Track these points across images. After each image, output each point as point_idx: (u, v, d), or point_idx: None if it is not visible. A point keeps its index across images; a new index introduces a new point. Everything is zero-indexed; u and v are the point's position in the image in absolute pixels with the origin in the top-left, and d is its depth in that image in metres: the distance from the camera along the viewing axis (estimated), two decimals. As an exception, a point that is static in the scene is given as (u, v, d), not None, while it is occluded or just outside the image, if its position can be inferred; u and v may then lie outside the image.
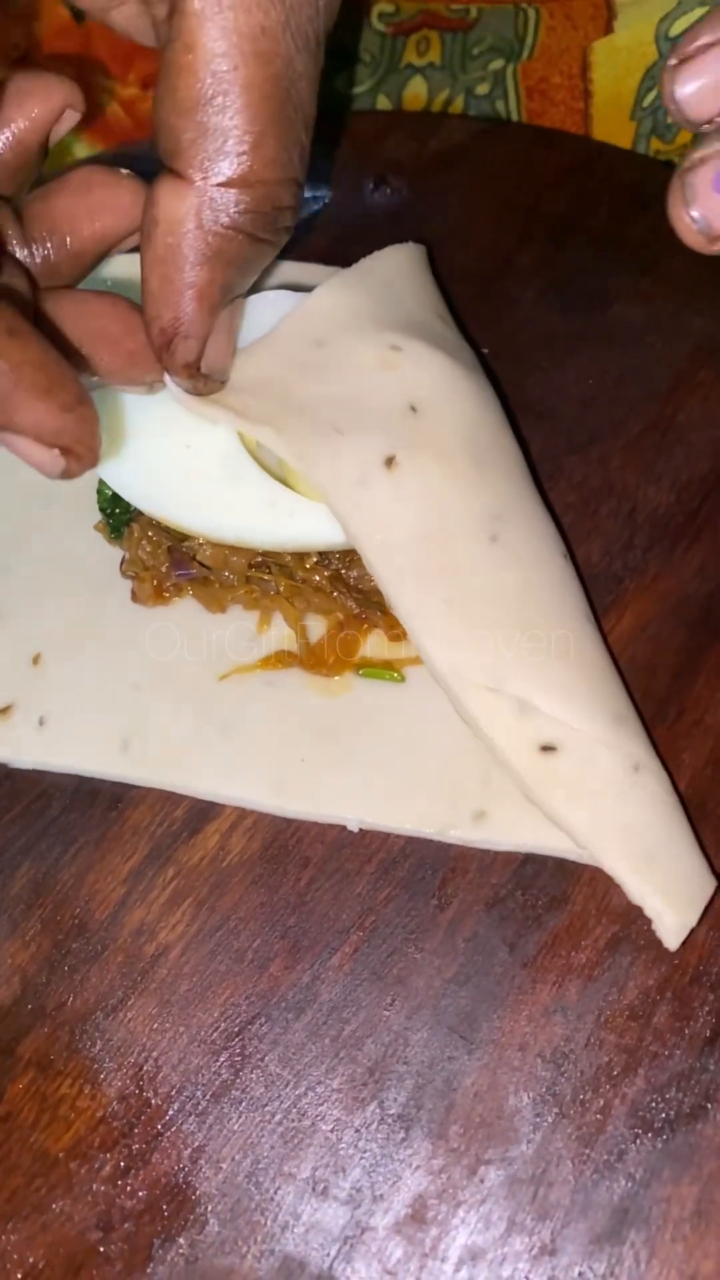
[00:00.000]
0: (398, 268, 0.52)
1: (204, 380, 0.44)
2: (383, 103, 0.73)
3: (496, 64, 0.70)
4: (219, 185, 0.40)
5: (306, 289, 0.50)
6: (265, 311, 0.50)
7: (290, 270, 0.58)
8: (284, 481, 0.48)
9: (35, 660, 0.50)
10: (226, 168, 0.39)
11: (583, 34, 0.67)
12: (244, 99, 0.38)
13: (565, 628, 0.46)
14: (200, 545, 0.50)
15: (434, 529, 0.45)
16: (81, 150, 0.78)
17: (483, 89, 0.71)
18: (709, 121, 0.40)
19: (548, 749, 0.44)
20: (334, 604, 0.50)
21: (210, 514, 0.48)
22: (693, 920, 0.43)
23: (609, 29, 0.66)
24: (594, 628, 0.48)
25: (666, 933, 0.43)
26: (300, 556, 0.50)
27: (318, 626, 0.51)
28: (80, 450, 0.38)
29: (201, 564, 0.51)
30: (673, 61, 0.40)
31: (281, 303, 0.50)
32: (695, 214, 0.40)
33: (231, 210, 0.40)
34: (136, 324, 0.42)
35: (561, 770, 0.44)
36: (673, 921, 0.43)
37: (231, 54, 0.38)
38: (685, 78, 0.39)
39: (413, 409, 0.46)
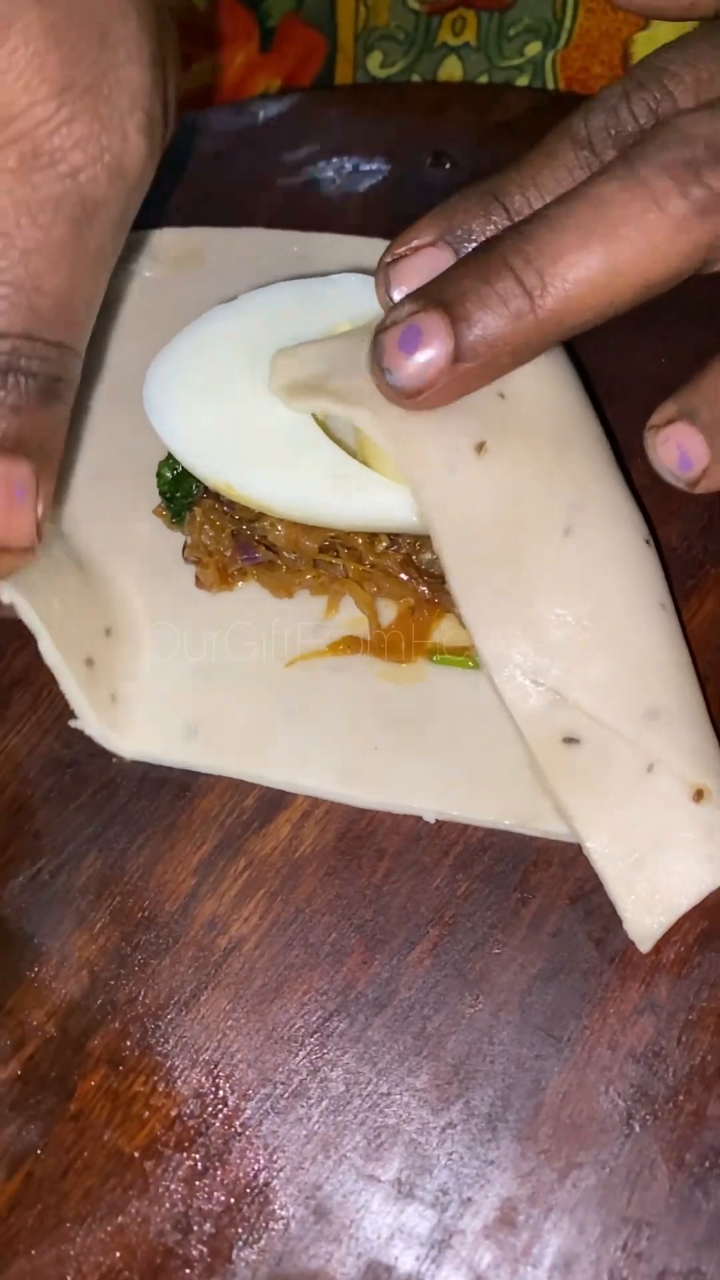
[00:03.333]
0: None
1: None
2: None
3: (534, 47, 0.68)
4: None
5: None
6: (346, 295, 0.48)
7: (355, 246, 0.57)
8: (352, 454, 0.47)
9: (107, 632, 0.48)
10: None
11: (624, 19, 0.66)
12: None
13: (625, 620, 0.45)
14: (270, 527, 0.48)
15: (509, 517, 0.44)
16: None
17: (522, 81, 0.69)
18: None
19: (570, 740, 0.43)
20: (405, 589, 0.49)
21: (274, 483, 0.47)
22: (659, 930, 0.42)
23: (646, 23, 0.65)
24: (667, 615, 0.46)
25: (635, 938, 0.42)
26: (371, 540, 0.49)
27: (387, 612, 0.50)
28: (16, 547, 0.43)
29: (268, 547, 0.49)
30: (388, 259, 0.45)
31: (360, 286, 0.48)
32: (386, 372, 0.42)
33: None
34: None
35: (576, 762, 0.43)
36: (639, 928, 0.42)
37: None
38: (398, 279, 0.44)
39: (501, 395, 0.44)
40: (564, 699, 0.43)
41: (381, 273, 0.45)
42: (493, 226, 0.44)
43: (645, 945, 0.42)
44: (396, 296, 0.44)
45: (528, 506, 0.44)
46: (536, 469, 0.44)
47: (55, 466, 0.44)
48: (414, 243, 0.44)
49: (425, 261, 0.44)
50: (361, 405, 0.44)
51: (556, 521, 0.44)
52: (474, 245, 0.44)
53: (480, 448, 0.43)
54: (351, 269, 0.51)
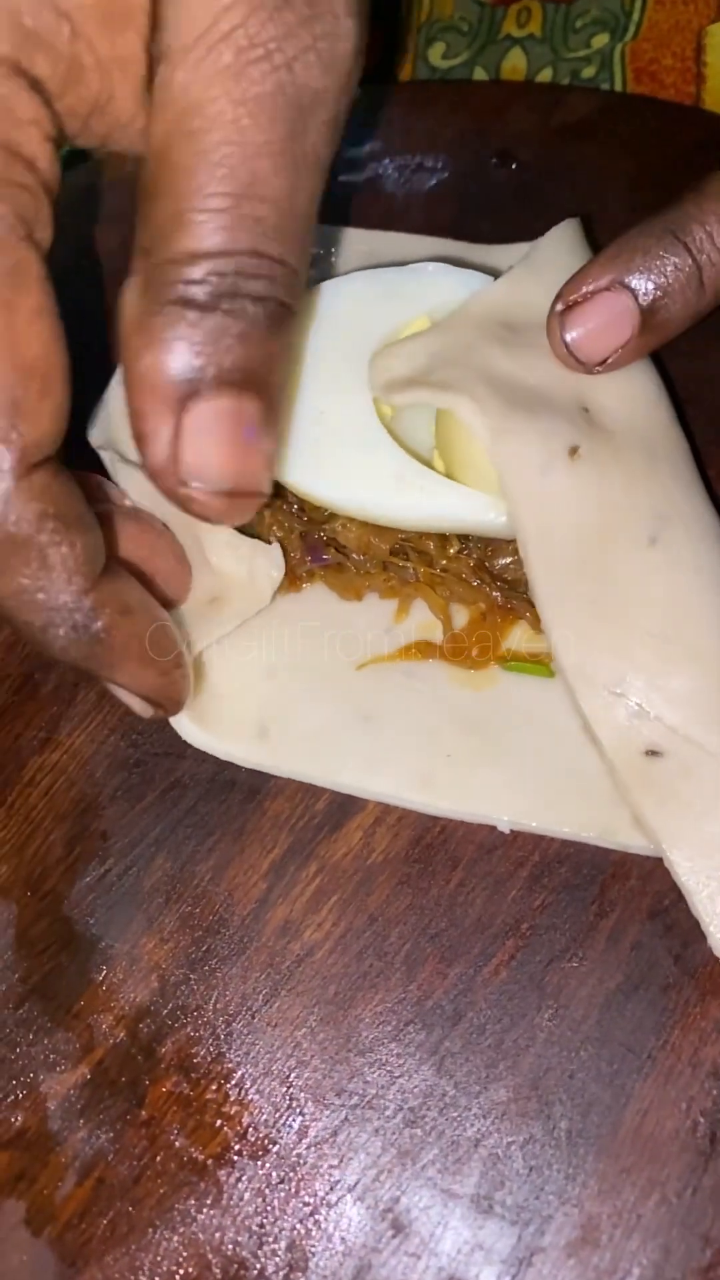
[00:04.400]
0: (570, 249, 0.50)
1: (200, 500, 0.37)
2: (479, 75, 0.71)
3: (601, 39, 0.67)
4: (164, 261, 0.35)
5: (460, 263, 0.49)
6: (426, 284, 0.48)
7: (425, 245, 0.56)
8: (419, 457, 0.46)
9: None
10: (176, 241, 0.35)
11: (694, 10, 0.65)
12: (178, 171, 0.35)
13: (709, 633, 0.44)
14: (341, 528, 0.48)
15: (596, 525, 0.43)
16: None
17: (589, 72, 0.69)
18: (602, 363, 0.44)
19: (653, 754, 0.43)
20: (477, 594, 0.48)
21: (338, 483, 0.46)
22: None
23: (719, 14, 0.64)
24: None
25: (717, 948, 0.42)
26: (442, 543, 0.48)
27: (458, 617, 0.49)
28: (169, 705, 0.43)
29: (337, 549, 0.49)
30: (560, 307, 0.44)
31: (441, 276, 0.48)
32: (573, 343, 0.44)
33: (177, 282, 0.35)
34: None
35: (659, 776, 0.43)
36: None
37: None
38: (573, 323, 0.44)
39: (585, 409, 0.44)
40: (646, 711, 0.43)
41: (555, 319, 0.44)
42: (671, 266, 0.43)
43: None
44: (577, 335, 0.44)
45: (615, 515, 0.44)
46: (625, 478, 0.44)
47: (283, 402, 0.38)
48: (588, 288, 0.44)
49: (602, 308, 0.43)
50: (465, 394, 0.43)
51: (643, 532, 0.44)
52: (654, 287, 0.43)
53: (574, 452, 0.43)
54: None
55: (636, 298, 0.44)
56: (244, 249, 0.35)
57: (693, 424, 0.51)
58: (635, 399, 0.46)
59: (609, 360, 0.45)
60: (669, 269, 0.43)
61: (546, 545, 0.44)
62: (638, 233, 0.44)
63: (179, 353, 0.35)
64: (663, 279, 0.44)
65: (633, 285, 0.44)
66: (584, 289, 0.44)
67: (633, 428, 0.45)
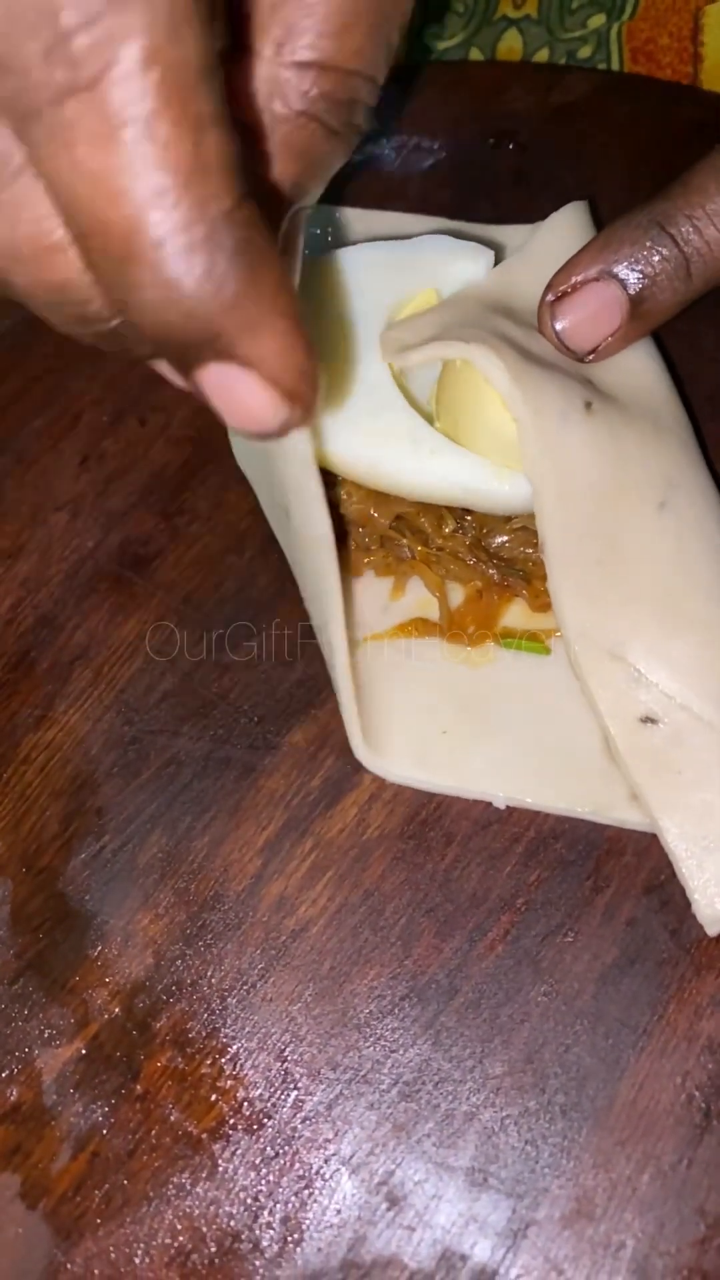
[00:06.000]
0: (573, 234, 0.50)
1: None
2: (475, 56, 0.71)
3: (597, 20, 0.67)
4: (293, 64, 0.33)
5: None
6: (434, 256, 0.49)
7: (424, 224, 0.56)
8: (429, 419, 0.46)
9: None
10: (304, 46, 0.33)
11: (691, -11, 0.65)
12: None
13: (711, 602, 0.44)
14: (346, 497, 0.48)
15: (610, 485, 0.43)
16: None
17: (585, 52, 0.68)
18: (592, 351, 0.45)
19: (648, 720, 0.42)
20: (473, 572, 0.48)
21: (353, 441, 0.46)
22: None
23: (720, -6, 0.64)
24: None
25: (704, 920, 0.42)
26: (438, 522, 0.48)
27: (455, 595, 0.49)
28: (308, 397, 0.30)
29: (336, 522, 0.49)
30: (550, 297, 0.45)
31: (450, 249, 0.48)
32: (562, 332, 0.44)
33: (305, 92, 0.33)
34: None
35: (653, 743, 0.43)
36: (709, 911, 0.42)
37: None
38: (562, 313, 0.45)
39: (589, 381, 0.44)
40: (644, 676, 0.43)
41: (545, 309, 0.45)
42: (659, 257, 0.44)
43: (713, 929, 0.42)
44: (559, 329, 0.45)
45: (628, 475, 0.44)
46: (637, 441, 0.44)
47: None
48: (577, 278, 0.44)
49: (591, 297, 0.44)
50: (483, 343, 0.43)
51: (653, 495, 0.44)
52: (641, 277, 0.44)
53: (589, 406, 0.43)
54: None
55: (625, 288, 0.45)
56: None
57: (687, 401, 0.51)
58: (639, 373, 0.47)
59: (599, 349, 0.46)
60: (656, 259, 0.44)
61: (561, 499, 0.43)
62: (624, 224, 0.45)
63: None
64: (650, 269, 0.44)
65: (620, 275, 0.45)
66: (573, 279, 0.45)
67: (638, 401, 0.46)
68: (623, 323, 0.45)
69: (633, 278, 0.44)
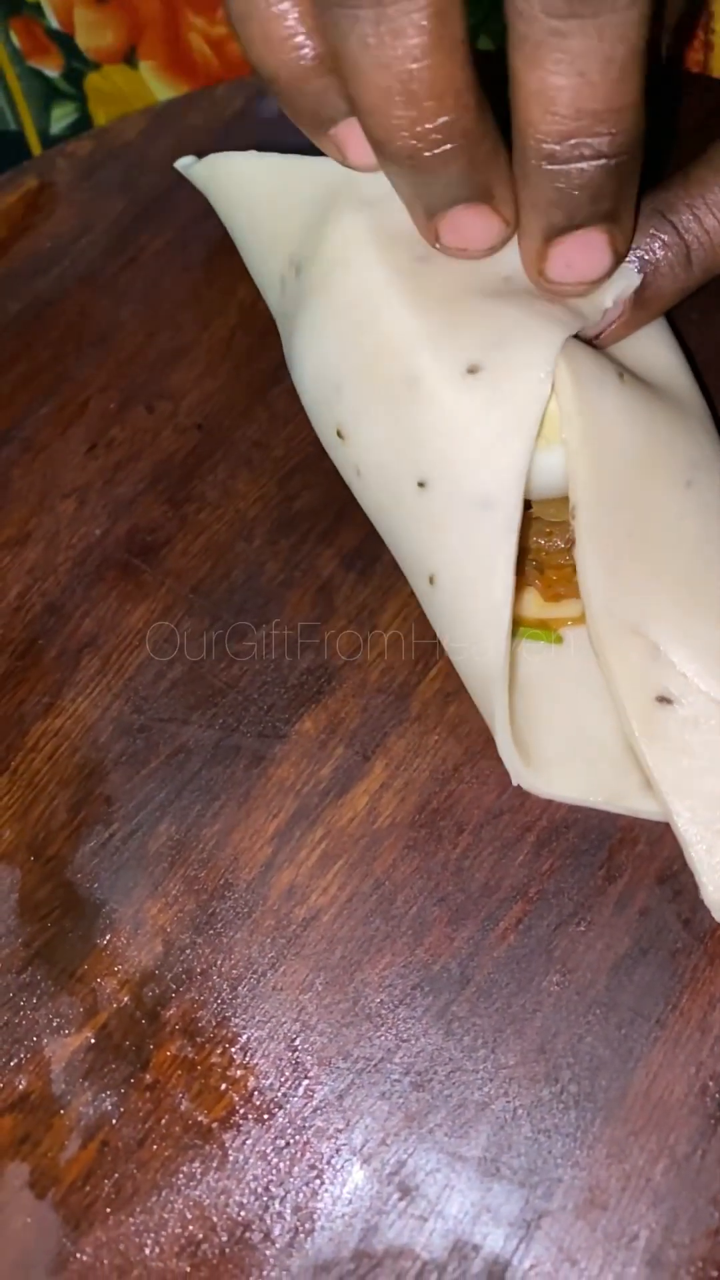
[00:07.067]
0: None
1: None
2: (484, 44, 0.70)
3: None
4: None
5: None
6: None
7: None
8: None
9: None
10: None
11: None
12: None
13: None
14: None
15: (642, 457, 0.43)
16: (163, 92, 0.75)
17: None
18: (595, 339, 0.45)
19: (664, 700, 0.42)
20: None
21: None
22: None
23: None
24: None
25: (711, 905, 0.42)
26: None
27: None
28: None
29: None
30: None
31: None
32: None
33: None
34: None
35: (668, 724, 0.42)
36: (717, 897, 0.41)
37: None
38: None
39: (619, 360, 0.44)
40: (663, 654, 0.42)
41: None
42: (660, 244, 0.44)
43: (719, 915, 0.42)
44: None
45: (656, 450, 0.43)
46: (666, 418, 0.44)
47: None
48: None
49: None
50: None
51: (680, 473, 0.44)
52: (642, 264, 0.44)
53: (621, 377, 0.43)
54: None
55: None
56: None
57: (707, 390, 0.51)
58: (658, 356, 0.47)
59: (600, 336, 0.45)
60: (657, 247, 0.44)
61: (596, 466, 0.43)
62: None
63: None
64: (651, 256, 0.44)
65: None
66: None
67: (660, 381, 0.45)
68: (625, 310, 0.45)
69: (634, 265, 0.44)
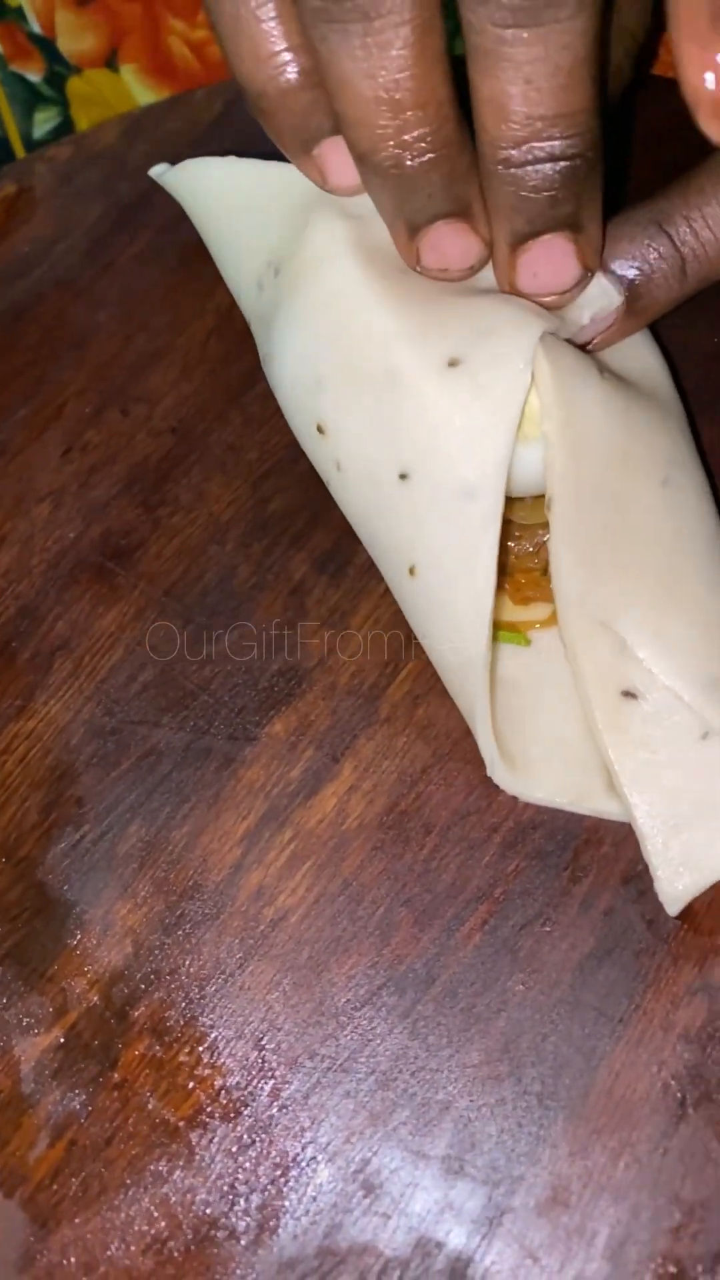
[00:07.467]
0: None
1: None
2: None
3: None
4: None
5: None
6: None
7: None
8: None
9: None
10: None
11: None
12: None
13: (704, 584, 0.44)
14: None
15: (619, 453, 0.43)
16: (144, 95, 0.75)
17: None
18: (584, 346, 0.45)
19: (629, 695, 0.43)
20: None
21: None
22: (687, 895, 0.42)
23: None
24: None
25: (664, 899, 0.42)
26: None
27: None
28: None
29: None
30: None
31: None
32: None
33: None
34: None
35: (632, 718, 0.43)
36: (669, 890, 0.42)
37: None
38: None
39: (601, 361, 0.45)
40: (631, 649, 0.43)
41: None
42: (655, 255, 0.44)
43: (673, 908, 0.42)
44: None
45: (634, 447, 0.44)
46: (644, 414, 0.44)
47: None
48: None
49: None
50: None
51: (656, 471, 0.44)
52: (637, 274, 0.44)
53: (602, 373, 0.43)
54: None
55: (621, 283, 0.45)
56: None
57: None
58: (639, 358, 0.47)
59: (593, 342, 0.46)
60: (652, 257, 0.45)
61: (573, 458, 0.43)
62: (625, 220, 0.45)
63: None
64: (646, 266, 0.45)
65: (617, 271, 0.45)
66: None
67: (640, 381, 0.46)
68: (617, 319, 0.45)
69: (629, 273, 0.45)
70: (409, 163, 0.40)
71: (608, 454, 0.43)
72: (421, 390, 0.42)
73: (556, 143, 0.38)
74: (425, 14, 0.37)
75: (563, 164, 0.39)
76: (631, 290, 0.45)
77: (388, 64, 0.38)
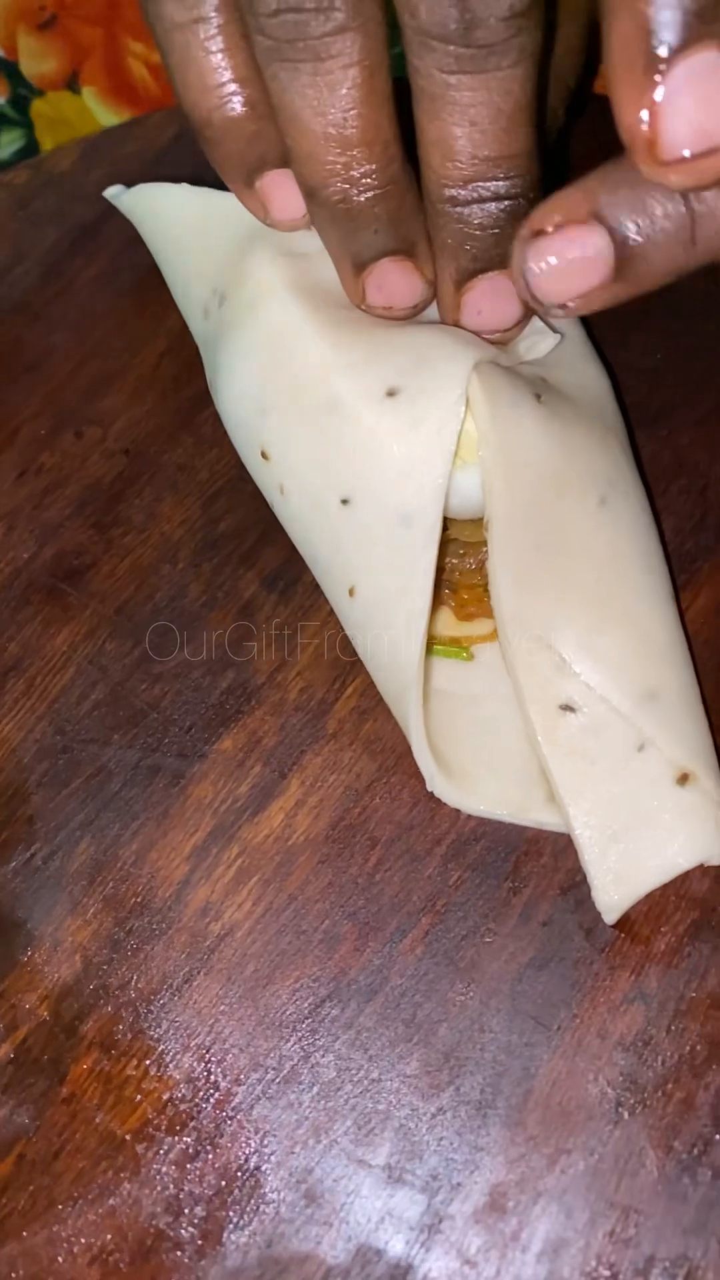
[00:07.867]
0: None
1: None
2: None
3: None
4: None
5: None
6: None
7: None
8: None
9: None
10: None
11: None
12: None
13: (639, 600, 0.45)
14: None
15: (556, 475, 0.44)
16: (106, 117, 0.76)
17: None
18: (561, 306, 0.37)
19: (566, 708, 0.43)
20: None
21: None
22: (624, 904, 0.42)
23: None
24: (674, 606, 0.47)
25: (602, 908, 0.43)
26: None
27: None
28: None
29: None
30: (524, 232, 0.36)
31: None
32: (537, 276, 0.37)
33: None
34: None
35: (569, 731, 0.43)
36: (606, 898, 0.43)
37: None
38: (537, 254, 0.36)
39: (542, 379, 0.45)
40: (569, 665, 0.43)
41: (518, 250, 0.37)
42: (661, 210, 0.35)
43: (610, 916, 0.43)
44: (529, 272, 0.37)
45: (572, 468, 0.44)
46: (583, 436, 0.45)
47: None
48: (558, 217, 0.36)
49: (574, 244, 0.36)
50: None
51: (594, 490, 0.45)
52: (636, 230, 0.35)
53: (538, 398, 0.44)
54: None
55: (614, 238, 0.36)
56: None
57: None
58: (582, 374, 0.48)
59: (570, 306, 0.37)
60: (658, 213, 0.35)
61: (509, 482, 0.43)
62: (625, 162, 0.34)
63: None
64: (648, 221, 0.35)
65: (612, 223, 0.35)
66: (556, 217, 0.36)
67: (582, 399, 0.47)
68: (605, 281, 0.36)
69: (627, 228, 0.35)
70: (356, 198, 0.41)
71: (543, 476, 0.44)
72: (361, 419, 0.43)
73: (500, 183, 0.40)
74: (373, 57, 0.39)
75: (506, 203, 0.40)
76: (627, 251, 0.36)
77: (336, 103, 0.39)
